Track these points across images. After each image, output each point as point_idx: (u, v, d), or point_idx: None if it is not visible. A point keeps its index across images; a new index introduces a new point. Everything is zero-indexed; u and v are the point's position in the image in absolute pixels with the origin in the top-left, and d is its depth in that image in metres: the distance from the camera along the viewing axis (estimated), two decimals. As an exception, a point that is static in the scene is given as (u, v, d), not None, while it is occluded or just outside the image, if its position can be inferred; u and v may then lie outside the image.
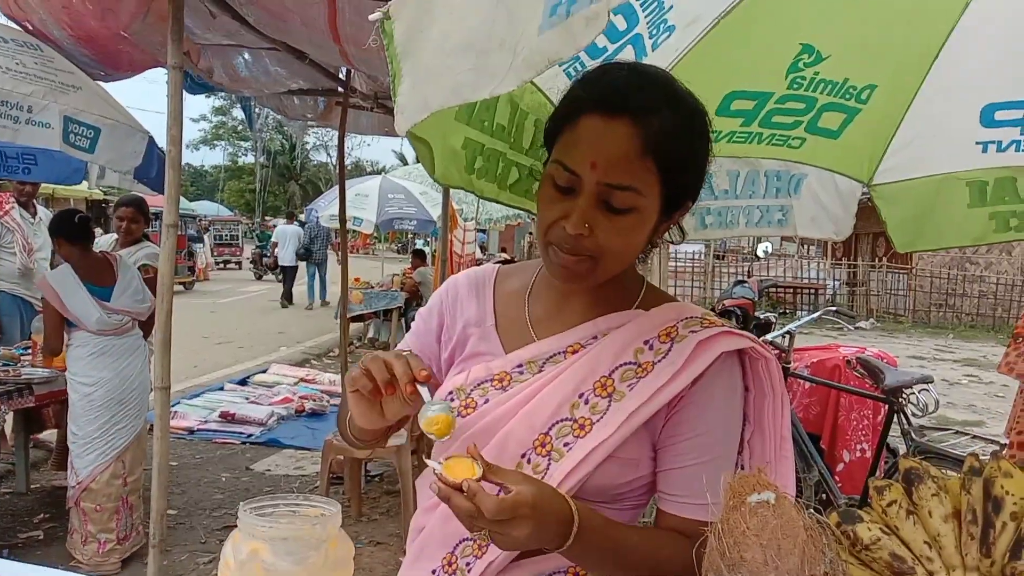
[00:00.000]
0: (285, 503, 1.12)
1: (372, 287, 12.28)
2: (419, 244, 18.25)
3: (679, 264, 20.09)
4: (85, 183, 6.16)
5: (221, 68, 4.72)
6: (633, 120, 1.05)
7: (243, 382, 8.50)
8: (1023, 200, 2.30)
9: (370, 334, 12.40)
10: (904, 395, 4.23)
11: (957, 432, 4.55)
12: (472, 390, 1.20)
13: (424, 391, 1.03)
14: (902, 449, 4.51)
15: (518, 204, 1.65)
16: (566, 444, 1.11)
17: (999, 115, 2.22)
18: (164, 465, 3.14)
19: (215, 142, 58.06)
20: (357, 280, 12.64)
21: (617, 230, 1.08)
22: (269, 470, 5.87)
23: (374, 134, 6.47)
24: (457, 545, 1.18)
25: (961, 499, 0.88)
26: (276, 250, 18.40)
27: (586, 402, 1.13)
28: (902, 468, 0.91)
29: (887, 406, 4.35)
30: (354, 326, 12.18)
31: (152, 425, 3.47)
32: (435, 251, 12.83)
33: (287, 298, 17.50)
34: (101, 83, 4.32)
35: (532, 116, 1.56)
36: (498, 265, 1.36)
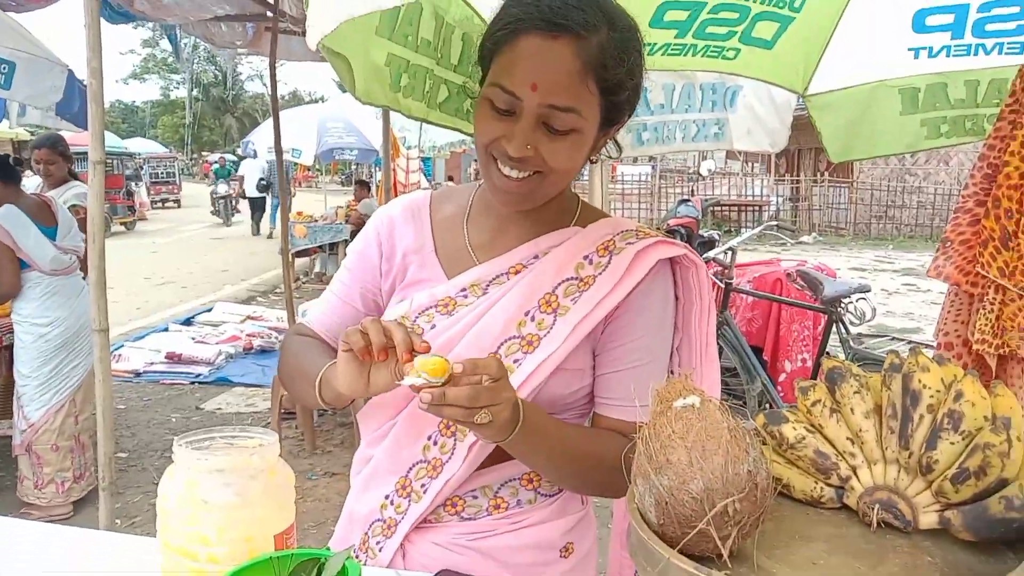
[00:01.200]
0: (221, 435, 1.11)
1: (316, 220, 12.09)
2: (375, 177, 18.16)
3: (626, 187, 20.15)
4: (6, 122, 5.87)
5: (141, -6, 4.50)
6: (574, 39, 1.03)
7: (188, 322, 8.37)
8: (953, 106, 2.32)
9: (316, 268, 12.26)
10: (842, 304, 4.35)
11: (894, 339, 4.71)
12: (417, 317, 1.20)
13: (438, 356, 0.99)
14: (841, 357, 4.65)
15: (449, 124, 1.61)
16: (516, 360, 1.14)
17: (930, 20, 2.22)
18: (108, 408, 3.08)
19: (145, 76, 55.75)
20: (300, 214, 12.43)
21: (559, 150, 1.08)
22: (220, 408, 5.84)
23: (307, 60, 6.25)
24: (411, 468, 1.20)
25: (882, 395, 0.90)
26: (243, 183, 19.01)
27: (532, 319, 1.15)
28: (825, 368, 0.93)
29: (826, 316, 4.48)
30: (300, 261, 12.03)
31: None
32: (379, 181, 12.66)
33: (257, 227, 18.61)
34: (12, 14, 4.10)
35: (459, 30, 1.50)
36: (430, 191, 1.35)
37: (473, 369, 0.94)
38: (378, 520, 1.23)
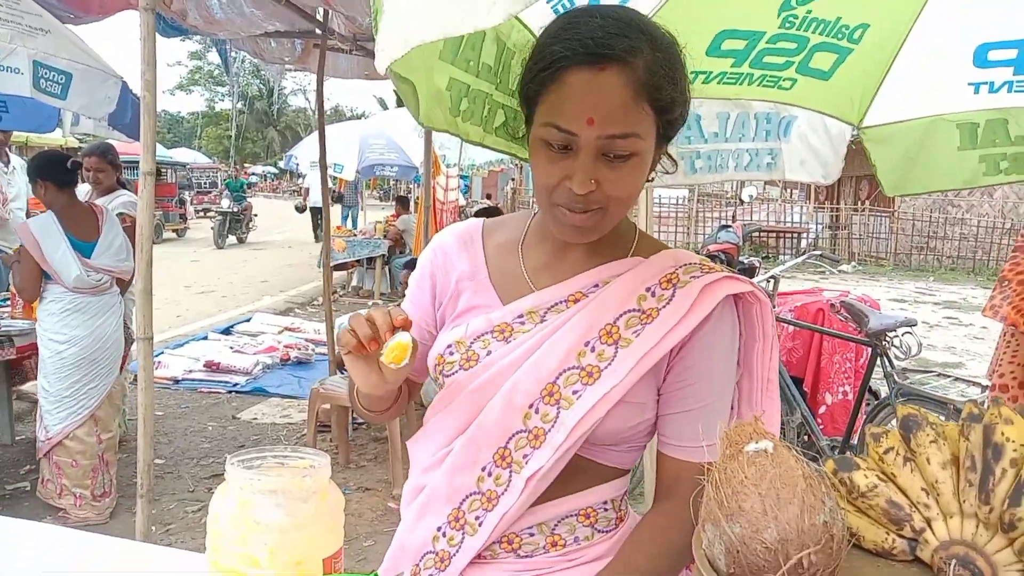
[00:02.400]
0: (273, 455, 1.11)
1: (355, 235, 12.19)
2: (413, 193, 18.34)
3: (663, 210, 20.07)
4: (59, 130, 6.02)
5: (195, 10, 4.58)
6: (620, 67, 1.03)
7: (227, 331, 8.46)
8: (1014, 142, 2.27)
9: (354, 282, 12.36)
10: (888, 338, 4.26)
11: (939, 374, 4.59)
12: (473, 342, 1.20)
13: (402, 336, 1.04)
14: (883, 391, 4.56)
15: (504, 148, 1.60)
16: (575, 392, 1.12)
17: (992, 55, 2.18)
18: (149, 416, 3.11)
19: (191, 87, 56.84)
20: (339, 228, 12.55)
21: (622, 177, 1.08)
22: (256, 418, 5.87)
23: (353, 78, 6.33)
24: (464, 500, 1.18)
25: (960, 446, 0.87)
26: (308, 195, 19.19)
27: (592, 350, 1.14)
28: (900, 415, 0.90)
29: (870, 349, 4.39)
30: (338, 274, 12.14)
31: (135, 375, 3.44)
32: (417, 198, 12.76)
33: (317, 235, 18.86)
34: (71, 26, 4.19)
35: (519, 55, 1.50)
36: (482, 219, 1.35)
37: None
38: (430, 552, 1.21)
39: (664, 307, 1.14)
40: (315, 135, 6.59)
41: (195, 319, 9.41)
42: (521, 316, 1.19)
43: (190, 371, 6.80)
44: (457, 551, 1.17)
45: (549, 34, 1.09)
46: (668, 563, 1.11)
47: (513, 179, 23.13)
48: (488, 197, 23.24)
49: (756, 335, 1.21)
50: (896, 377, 4.21)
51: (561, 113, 1.05)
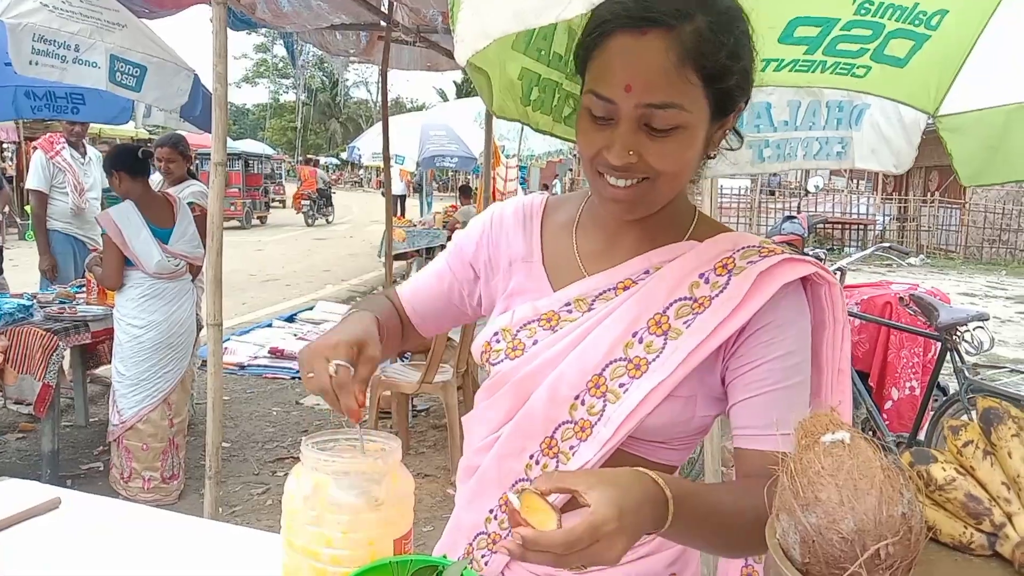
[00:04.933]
0: (346, 437, 1.13)
1: (414, 225, 12.30)
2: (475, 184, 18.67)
3: (725, 201, 19.80)
4: (131, 123, 6.20)
5: (264, 3, 4.68)
6: (664, 32, 0.97)
7: (291, 319, 8.64)
8: (1098, 131, 2.18)
9: (413, 271, 12.47)
10: (958, 333, 4.14)
11: (1012, 371, 4.45)
12: (519, 331, 1.17)
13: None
14: (951, 387, 4.44)
15: (573, 137, 1.61)
16: (622, 385, 1.08)
17: (1077, 40, 2.10)
18: (218, 400, 3.20)
19: (256, 80, 58.02)
20: (400, 218, 12.67)
21: (665, 152, 1.01)
22: (318, 404, 5.97)
23: (417, 69, 6.37)
24: (514, 484, 1.16)
25: (1044, 440, 0.85)
26: None
27: (640, 341, 1.08)
28: (980, 407, 0.88)
29: (939, 344, 4.27)
30: (397, 264, 12.27)
31: (204, 361, 3.54)
32: (476, 189, 12.80)
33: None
34: (145, 21, 4.31)
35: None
36: (547, 195, 1.31)
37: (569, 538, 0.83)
38: (482, 533, 1.20)
39: (717, 295, 1.07)
40: (377, 127, 6.68)
41: (261, 307, 9.63)
42: (568, 304, 1.15)
43: (255, 357, 6.97)
44: (508, 534, 1.17)
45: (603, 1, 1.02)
46: (750, 516, 0.94)
47: (571, 169, 23.05)
48: (545, 187, 23.20)
49: (826, 320, 1.12)
50: (966, 373, 4.09)
51: (601, 80, 1.01)
